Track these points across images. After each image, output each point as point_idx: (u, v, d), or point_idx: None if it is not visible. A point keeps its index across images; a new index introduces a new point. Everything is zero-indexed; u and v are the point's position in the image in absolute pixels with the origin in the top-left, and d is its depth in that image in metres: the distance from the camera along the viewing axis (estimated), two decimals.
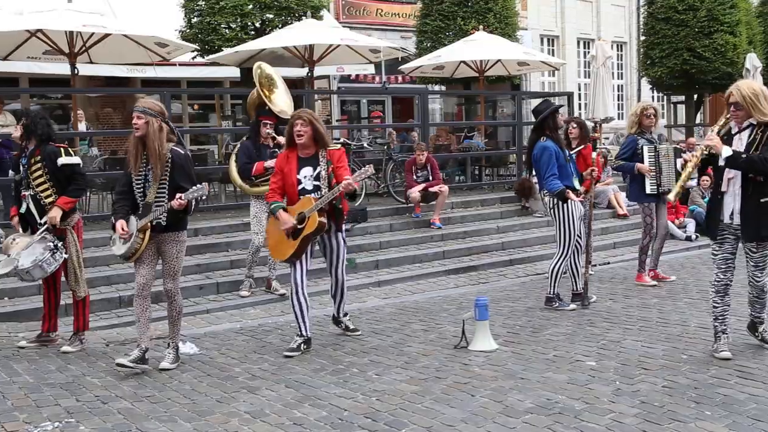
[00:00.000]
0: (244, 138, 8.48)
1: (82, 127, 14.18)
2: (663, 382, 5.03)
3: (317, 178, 6.08)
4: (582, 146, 8.76)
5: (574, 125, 8.91)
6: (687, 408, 4.54)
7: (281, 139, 8.22)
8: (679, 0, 19.02)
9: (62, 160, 6.19)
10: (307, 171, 6.10)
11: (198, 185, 5.52)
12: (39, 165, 6.19)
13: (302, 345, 6.15)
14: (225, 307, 8.02)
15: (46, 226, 6.13)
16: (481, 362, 5.67)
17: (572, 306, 7.45)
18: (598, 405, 4.64)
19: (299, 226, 6.02)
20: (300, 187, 6.09)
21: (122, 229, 5.57)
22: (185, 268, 8.85)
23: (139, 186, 5.63)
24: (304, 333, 6.20)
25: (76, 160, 6.34)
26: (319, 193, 6.04)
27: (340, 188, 5.93)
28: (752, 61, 18.99)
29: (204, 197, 5.59)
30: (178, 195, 5.46)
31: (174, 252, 5.71)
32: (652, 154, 8.37)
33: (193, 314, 7.81)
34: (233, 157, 8.47)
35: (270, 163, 7.93)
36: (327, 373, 5.52)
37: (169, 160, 5.55)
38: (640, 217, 9.07)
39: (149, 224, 5.54)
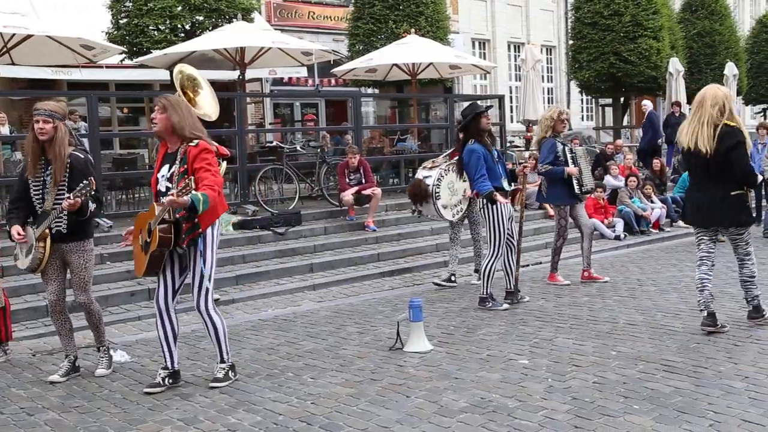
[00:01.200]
0: None
1: (5, 130, 13.71)
2: (593, 378, 5.13)
3: (170, 178, 5.08)
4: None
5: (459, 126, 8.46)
6: (616, 403, 4.65)
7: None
8: (604, 5, 19.51)
9: None
10: (164, 169, 5.13)
11: (84, 181, 5.16)
12: None
13: (167, 379, 5.26)
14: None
15: None
16: (416, 363, 5.70)
17: (505, 305, 7.55)
18: (531, 402, 4.72)
19: (147, 240, 5.12)
20: (158, 187, 5.17)
21: (18, 234, 5.34)
22: (116, 274, 8.72)
23: (37, 191, 5.40)
24: (169, 365, 5.29)
25: None
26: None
27: (164, 203, 4.90)
28: (675, 65, 19.61)
29: (91, 192, 5.17)
30: (66, 195, 5.21)
31: (81, 262, 5.51)
32: (572, 155, 8.57)
33: (124, 321, 7.67)
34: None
35: None
36: (261, 378, 5.47)
37: (68, 165, 5.34)
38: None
39: (48, 231, 5.33)
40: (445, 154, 9.19)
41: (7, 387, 5.44)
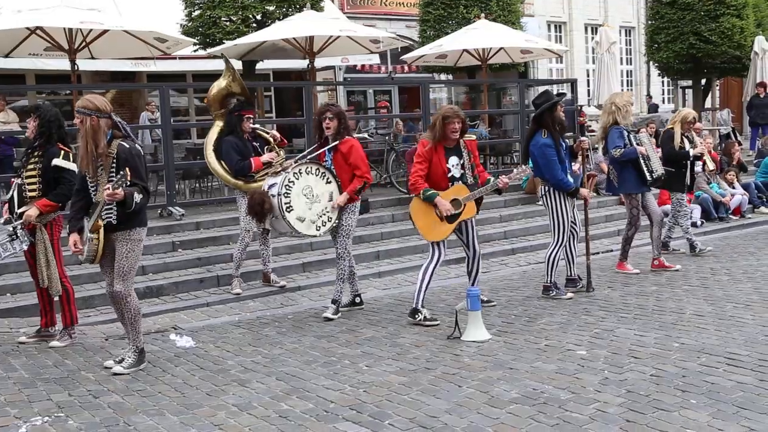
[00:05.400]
0: (215, 134, 8.07)
1: None
2: (651, 371, 5.02)
3: (462, 166, 6.73)
4: (339, 140, 6.97)
5: (330, 116, 6.94)
6: (672, 397, 4.53)
7: (274, 133, 8.16)
8: None
9: (56, 161, 6.17)
10: (453, 160, 6.72)
11: (121, 172, 5.23)
12: (36, 159, 6.22)
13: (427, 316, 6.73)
14: (225, 300, 8.04)
15: (20, 221, 6.13)
16: (472, 352, 5.68)
17: (569, 294, 7.43)
18: (584, 394, 4.65)
19: (456, 212, 6.65)
20: (449, 174, 6.71)
21: (74, 246, 5.50)
22: (187, 261, 8.96)
23: (92, 185, 5.48)
24: (419, 305, 6.78)
25: (70, 166, 6.23)
26: (464, 179, 6.73)
27: (497, 184, 6.76)
28: (761, 44, 18.80)
29: (126, 183, 5.20)
30: (105, 186, 5.25)
31: (123, 251, 5.44)
32: (637, 143, 8.35)
33: (193, 308, 7.83)
34: (211, 153, 8.07)
35: (266, 157, 7.80)
36: (318, 365, 5.55)
37: (114, 156, 5.36)
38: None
39: (100, 223, 5.38)
40: (301, 155, 7.48)
41: (77, 369, 5.66)
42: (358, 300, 7.50)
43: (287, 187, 6.71)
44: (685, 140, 9.23)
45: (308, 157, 7.11)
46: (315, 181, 6.87)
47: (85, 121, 5.31)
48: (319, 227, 6.92)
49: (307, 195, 6.81)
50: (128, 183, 5.22)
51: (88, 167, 5.41)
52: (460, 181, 6.70)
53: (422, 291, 6.78)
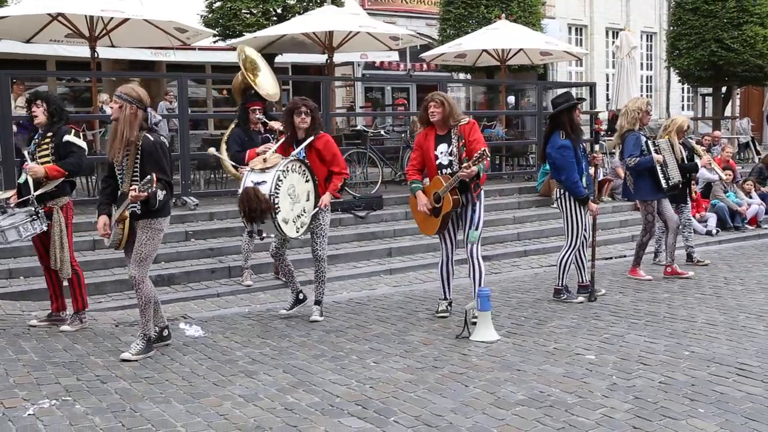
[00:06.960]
0: (232, 125, 8.19)
1: (107, 110, 14.32)
2: (660, 378, 4.98)
3: (451, 153, 6.52)
4: (315, 136, 6.67)
5: (306, 110, 6.60)
6: (680, 405, 4.50)
7: (275, 124, 8.06)
8: None
9: (68, 137, 6.26)
10: (442, 147, 6.56)
11: (147, 177, 5.27)
12: (49, 140, 6.29)
13: (448, 306, 6.98)
14: (235, 291, 8.08)
15: (34, 209, 6.19)
16: (480, 353, 5.66)
17: (580, 298, 7.40)
18: (591, 399, 4.62)
19: (437, 205, 6.57)
20: (437, 162, 6.59)
21: (103, 228, 5.62)
22: (199, 251, 8.99)
23: (119, 174, 5.54)
24: (448, 297, 7.03)
25: (81, 143, 6.37)
26: (451, 167, 6.48)
27: (458, 175, 6.33)
28: None
29: (152, 188, 5.23)
30: (132, 186, 5.34)
31: (143, 238, 5.50)
32: (655, 148, 8.29)
33: (204, 298, 7.87)
34: (224, 146, 8.22)
35: (262, 148, 7.40)
36: (326, 360, 5.55)
37: (139, 148, 5.42)
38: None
39: (126, 215, 5.44)
40: (273, 148, 6.79)
41: (87, 354, 5.69)
42: (302, 296, 7.04)
43: (277, 186, 6.24)
44: (682, 149, 8.80)
45: (293, 154, 6.61)
46: (297, 180, 6.49)
47: (124, 108, 5.37)
48: (299, 229, 6.55)
49: (291, 195, 6.40)
50: (153, 188, 5.25)
51: (118, 154, 5.47)
52: (448, 169, 6.49)
53: (442, 286, 7.04)
